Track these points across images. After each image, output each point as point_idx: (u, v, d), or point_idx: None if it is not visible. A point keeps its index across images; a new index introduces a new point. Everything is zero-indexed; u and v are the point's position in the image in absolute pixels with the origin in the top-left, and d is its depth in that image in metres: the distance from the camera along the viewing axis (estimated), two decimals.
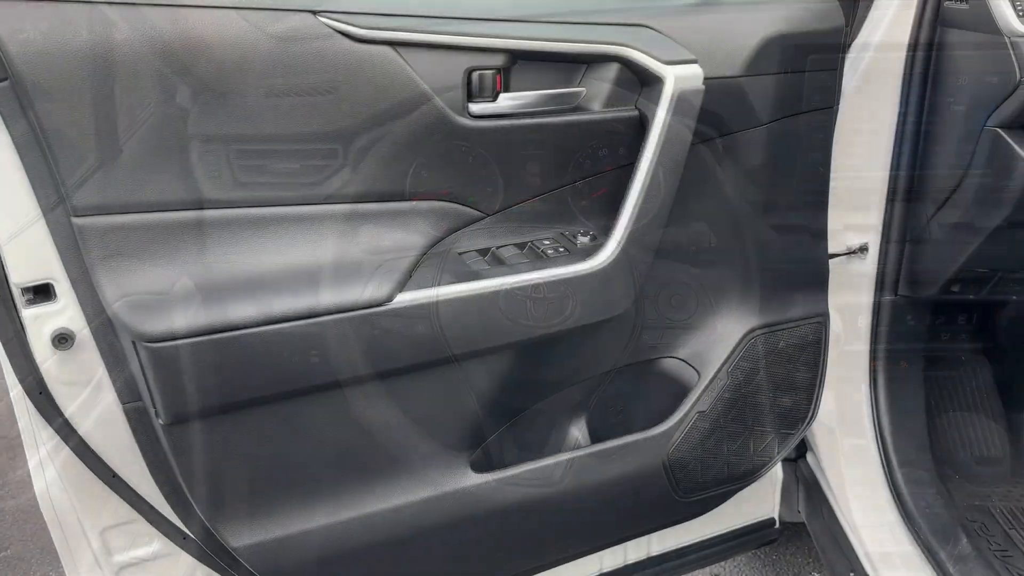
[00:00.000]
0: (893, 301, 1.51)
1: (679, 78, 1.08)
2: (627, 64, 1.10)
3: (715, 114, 1.16)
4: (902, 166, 1.41)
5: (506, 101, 1.07)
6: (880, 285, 1.51)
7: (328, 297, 0.98)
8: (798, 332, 1.36)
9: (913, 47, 1.33)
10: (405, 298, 1.00)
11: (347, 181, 1.01)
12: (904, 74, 1.35)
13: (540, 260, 1.10)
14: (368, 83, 0.98)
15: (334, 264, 1.01)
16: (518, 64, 1.07)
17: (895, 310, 1.51)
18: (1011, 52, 1.19)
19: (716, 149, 1.21)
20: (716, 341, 1.31)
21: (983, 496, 1.61)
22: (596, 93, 1.12)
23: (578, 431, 1.30)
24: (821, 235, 1.37)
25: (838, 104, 1.32)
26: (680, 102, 1.08)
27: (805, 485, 1.71)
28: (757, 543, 1.67)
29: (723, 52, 1.15)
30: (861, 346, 1.54)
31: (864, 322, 1.53)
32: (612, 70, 1.11)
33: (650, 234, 1.11)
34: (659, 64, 1.09)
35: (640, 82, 1.12)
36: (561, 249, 1.12)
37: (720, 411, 1.31)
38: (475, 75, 1.04)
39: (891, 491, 1.44)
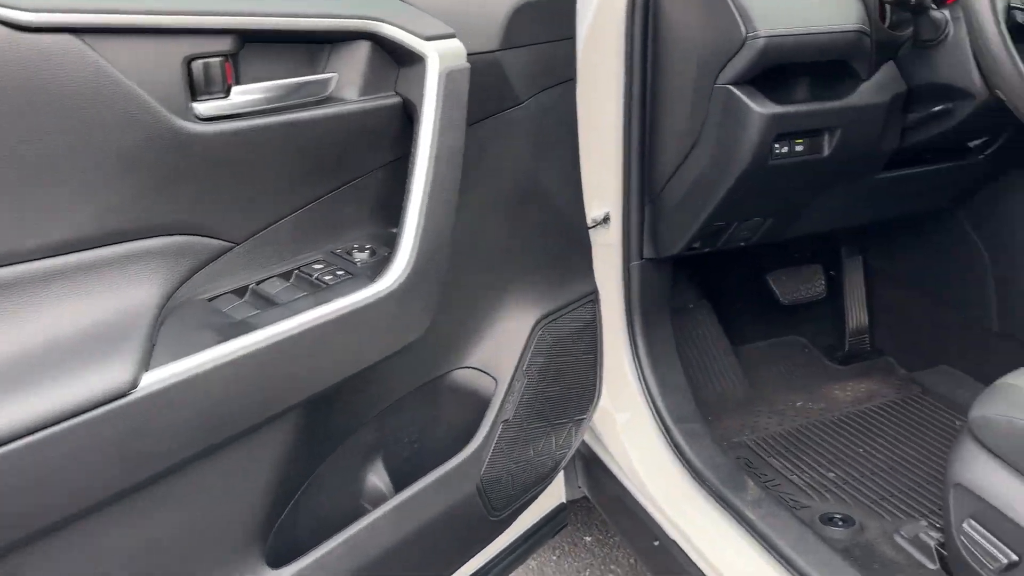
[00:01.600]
0: (641, 265, 1.52)
1: (443, 55, 0.93)
2: (380, 42, 0.92)
3: (478, 94, 1.03)
4: (634, 131, 1.42)
5: (240, 96, 0.83)
6: (627, 252, 1.52)
7: (36, 402, 0.67)
8: (577, 314, 1.31)
9: (631, 10, 1.33)
10: (155, 378, 0.73)
11: (34, 228, 0.71)
12: (627, 37, 1.35)
13: (319, 290, 0.88)
14: (46, 87, 0.68)
15: (38, 348, 0.70)
16: (247, 48, 0.84)
17: (643, 274, 1.53)
18: (733, 9, 1.22)
19: (480, 133, 1.08)
20: (507, 341, 1.20)
21: (737, 431, 1.73)
22: (348, 79, 0.92)
23: (379, 480, 1.11)
24: (581, 211, 1.32)
25: (576, 74, 1.27)
26: (448, 83, 0.93)
27: (583, 461, 1.69)
28: (552, 532, 1.62)
29: (477, 24, 1.03)
30: (617, 315, 1.54)
31: (617, 291, 1.53)
32: (362, 50, 0.92)
33: (443, 237, 0.95)
34: (417, 40, 0.93)
35: (397, 62, 0.95)
36: (340, 272, 0.91)
37: (523, 415, 1.21)
38: (197, 65, 0.78)
39: (673, 451, 1.46)
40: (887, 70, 1.34)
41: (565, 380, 1.29)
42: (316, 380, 0.88)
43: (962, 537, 1.06)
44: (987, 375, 1.81)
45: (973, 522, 1.05)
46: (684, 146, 1.37)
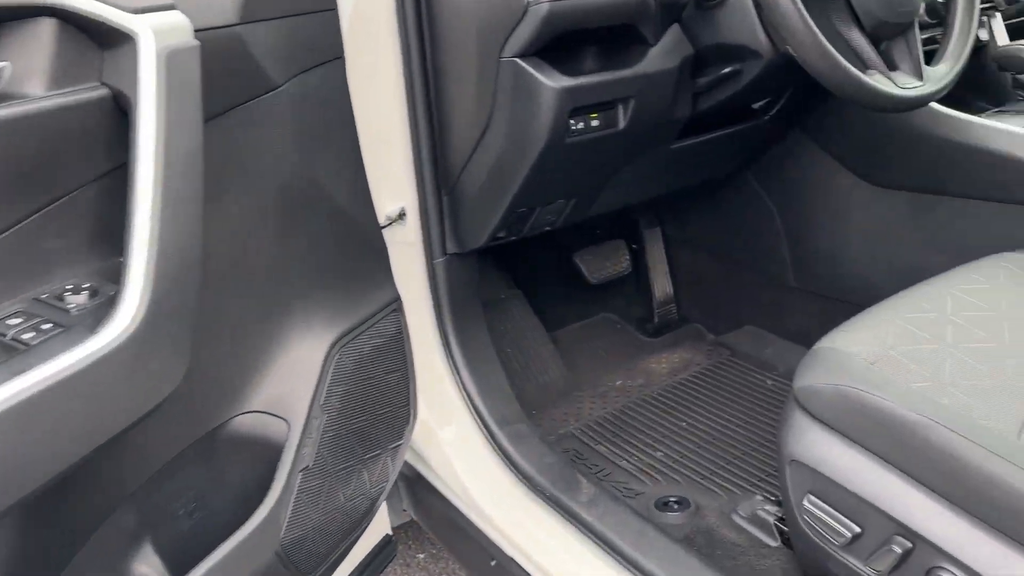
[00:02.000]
0: (446, 262, 1.38)
1: (159, 32, 0.72)
2: (68, 18, 0.70)
3: (220, 79, 0.83)
4: (419, 115, 1.27)
5: None
6: (428, 249, 1.37)
7: None
8: (379, 328, 1.14)
9: None
10: None
11: None
12: (398, 7, 1.19)
13: (16, 355, 0.65)
14: None
15: None
16: None
17: (449, 271, 1.39)
18: None
19: (228, 126, 0.88)
20: (297, 374, 1.01)
21: (562, 422, 1.64)
22: (28, 69, 0.69)
23: (150, 569, 0.89)
24: (370, 209, 1.15)
25: (343, 52, 1.09)
26: (171, 67, 0.73)
27: (406, 482, 1.54)
28: (381, 567, 1.45)
29: None
30: (426, 320, 1.40)
31: (423, 294, 1.38)
32: (45, 30, 0.69)
33: (188, 261, 0.74)
34: (119, 14, 0.71)
35: (98, 45, 0.73)
36: (47, 326, 0.68)
37: (327, 458, 1.03)
38: None
39: (501, 458, 1.35)
40: (673, 34, 1.28)
41: (374, 406, 1.12)
42: (32, 474, 0.66)
43: (804, 515, 1.02)
44: (790, 330, 1.88)
45: (813, 498, 1.01)
46: (476, 129, 1.24)
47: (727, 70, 1.29)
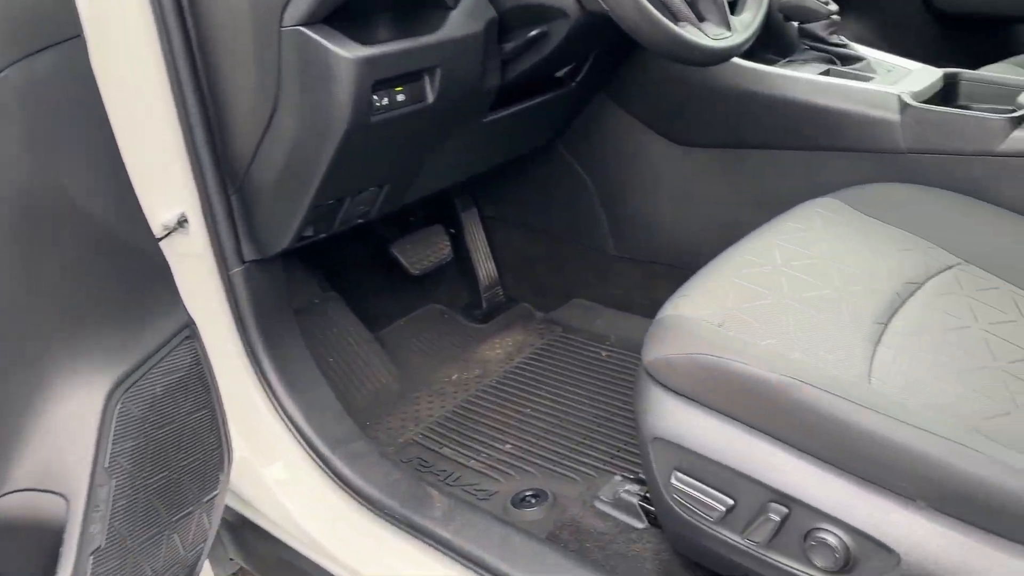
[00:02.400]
0: (245, 272, 1.20)
1: None
2: None
3: None
4: (189, 102, 1.07)
5: None
6: (221, 259, 1.18)
7: None
8: (170, 362, 0.94)
9: None
10: None
11: None
12: None
13: None
14: None
15: None
16: None
17: (250, 281, 1.21)
18: None
19: None
20: (69, 435, 0.80)
21: (401, 430, 1.51)
22: None
23: None
24: (139, 220, 0.95)
25: (82, 29, 0.88)
26: None
27: (230, 529, 1.34)
28: None
29: None
30: (230, 342, 1.21)
31: (221, 312, 1.19)
32: None
33: None
34: None
35: None
36: None
37: (123, 531, 0.83)
38: None
39: (340, 485, 1.19)
40: None
41: (177, 456, 0.93)
42: None
43: (673, 494, 0.97)
44: (616, 299, 1.85)
45: (680, 475, 0.96)
46: (262, 113, 1.06)
47: (534, 33, 1.20)
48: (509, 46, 1.23)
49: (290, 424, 1.20)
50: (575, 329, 1.80)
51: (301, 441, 1.19)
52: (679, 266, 1.73)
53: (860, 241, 1.19)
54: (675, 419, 0.95)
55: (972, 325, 1.05)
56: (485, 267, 1.91)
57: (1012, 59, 1.91)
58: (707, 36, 1.10)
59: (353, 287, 1.71)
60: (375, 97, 1.07)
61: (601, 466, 1.35)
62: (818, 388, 0.87)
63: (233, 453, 1.02)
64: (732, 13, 1.19)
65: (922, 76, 1.43)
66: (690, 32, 1.07)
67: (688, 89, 1.51)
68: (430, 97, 1.15)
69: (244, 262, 1.19)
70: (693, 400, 0.95)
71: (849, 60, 1.52)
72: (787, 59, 1.58)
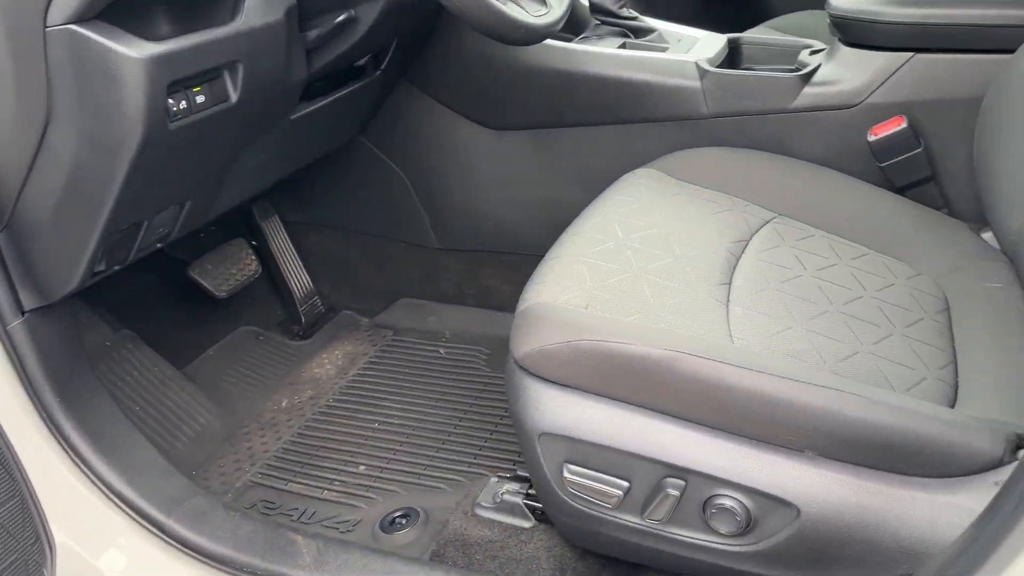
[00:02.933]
0: (26, 324, 1.00)
1: None
2: None
3: None
4: None
5: None
6: None
7: None
8: None
9: None
10: None
11: None
12: None
13: None
14: None
15: None
16: None
17: (33, 334, 1.01)
18: None
19: None
20: None
21: (237, 472, 1.35)
22: None
23: None
24: None
25: None
26: None
27: None
28: None
29: None
30: (18, 410, 1.00)
31: (5, 375, 0.98)
32: None
33: None
34: None
35: None
36: None
37: None
38: None
39: (186, 552, 1.03)
40: None
41: None
42: None
43: (567, 487, 0.93)
44: (445, 293, 1.79)
45: (572, 467, 0.92)
46: (30, 131, 0.87)
47: (341, 18, 1.10)
48: (313, 34, 1.12)
49: (111, 495, 1.02)
50: (407, 330, 1.71)
51: (129, 513, 1.02)
52: (505, 251, 1.71)
53: (685, 207, 1.22)
54: (560, 411, 0.92)
55: (803, 274, 1.12)
56: (297, 278, 1.76)
57: (767, 23, 2.08)
58: (528, 12, 1.07)
59: (149, 321, 1.50)
60: (171, 101, 0.92)
61: (468, 469, 1.29)
62: (697, 356, 0.87)
63: (55, 543, 0.83)
64: None
65: (710, 43, 1.50)
66: (513, 10, 1.03)
67: (496, 72, 1.47)
68: (233, 96, 1.01)
69: (23, 313, 0.99)
70: (575, 388, 0.91)
71: (642, 32, 1.56)
72: (581, 35, 1.59)
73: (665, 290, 1.01)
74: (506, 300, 1.66)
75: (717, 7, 2.43)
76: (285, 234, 1.77)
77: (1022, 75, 1.13)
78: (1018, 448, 0.81)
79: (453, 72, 1.50)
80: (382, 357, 1.63)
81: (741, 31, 2.07)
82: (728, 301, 1.04)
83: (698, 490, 0.88)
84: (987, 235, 1.24)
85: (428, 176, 1.63)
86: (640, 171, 1.33)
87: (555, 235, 1.16)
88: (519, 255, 1.63)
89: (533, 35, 1.08)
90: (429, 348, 1.65)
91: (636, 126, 1.45)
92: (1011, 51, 1.14)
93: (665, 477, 0.89)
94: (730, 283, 1.08)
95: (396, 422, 1.43)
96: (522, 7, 1.07)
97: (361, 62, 1.41)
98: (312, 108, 1.26)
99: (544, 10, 1.10)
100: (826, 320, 1.02)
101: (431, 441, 1.37)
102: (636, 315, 0.96)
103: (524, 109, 1.52)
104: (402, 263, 1.74)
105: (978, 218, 1.24)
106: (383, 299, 1.76)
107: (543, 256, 1.09)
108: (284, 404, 1.53)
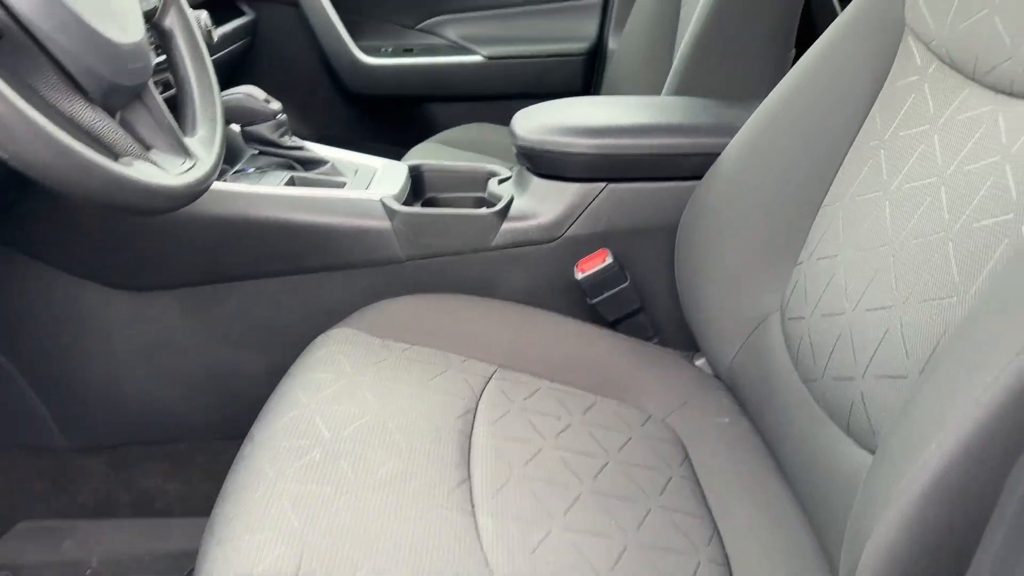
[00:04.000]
0: None
1: None
2: None
3: None
4: None
5: None
6: None
7: None
8: None
9: None
10: None
11: None
12: None
13: None
14: None
15: None
16: None
17: None
18: None
19: None
20: None
21: None
22: None
23: None
24: None
25: None
26: None
27: None
28: None
29: None
30: None
31: None
32: None
33: None
34: None
35: None
36: None
37: None
38: None
39: None
40: None
41: None
42: None
43: None
44: (86, 506, 1.33)
45: None
46: None
47: None
48: None
49: None
50: (31, 566, 1.26)
51: None
52: (166, 441, 1.35)
53: (398, 377, 1.03)
54: None
55: (543, 446, 0.97)
56: None
57: (436, 137, 2.00)
58: (165, 170, 0.79)
59: None
60: None
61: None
62: None
63: None
64: (184, 133, 0.90)
65: (391, 173, 1.34)
66: (142, 171, 0.75)
67: (129, 226, 1.15)
68: None
69: None
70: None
71: (311, 164, 1.34)
72: (235, 169, 1.33)
73: (398, 515, 0.79)
74: (173, 503, 1.30)
75: (380, 119, 2.31)
76: None
77: (710, 203, 1.13)
78: None
79: (70, 230, 1.15)
80: None
81: (409, 146, 1.96)
82: (473, 507, 0.85)
83: None
84: (700, 362, 1.22)
85: (45, 359, 1.23)
86: (335, 332, 1.10)
87: (231, 414, 0.93)
88: (185, 443, 1.29)
89: (177, 200, 0.80)
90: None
91: (321, 275, 1.22)
92: (699, 177, 1.14)
93: None
94: (470, 478, 0.89)
95: None
96: (156, 163, 0.79)
97: None
98: None
99: (188, 162, 0.84)
100: (582, 510, 0.88)
101: None
102: (365, 569, 0.72)
103: (175, 264, 1.21)
104: (19, 475, 1.29)
105: (689, 344, 1.21)
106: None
107: (217, 441, 0.81)
108: None
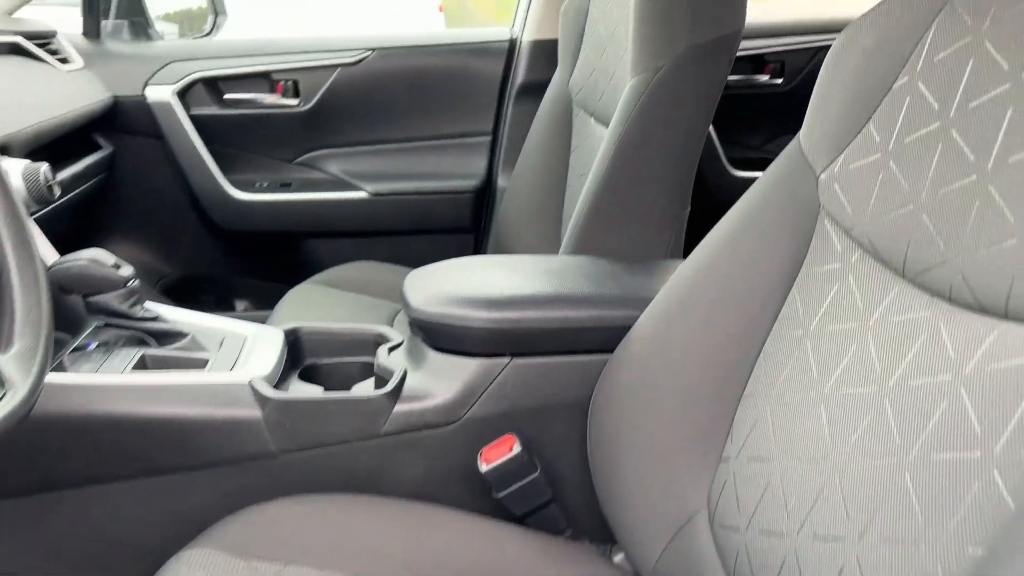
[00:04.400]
0: None
1: None
2: None
3: None
4: None
5: None
6: None
7: None
8: None
9: None
10: None
11: None
12: None
13: None
14: None
15: None
16: None
17: None
18: None
19: None
20: None
21: None
22: None
23: None
24: None
25: None
26: None
27: None
28: None
29: None
30: None
31: None
32: None
33: None
34: None
35: None
36: None
37: None
38: None
39: None
40: None
41: None
42: None
43: None
44: None
45: None
46: None
47: None
48: None
49: None
50: None
51: None
52: None
53: None
54: None
55: None
56: None
57: (315, 277, 1.86)
58: None
59: None
60: None
61: None
62: None
63: None
64: None
65: (266, 344, 1.18)
66: None
67: None
68: None
69: None
70: None
71: (167, 337, 1.16)
72: (74, 345, 1.13)
73: None
74: None
75: (257, 257, 2.14)
76: None
77: (622, 381, 1.03)
78: None
79: None
80: None
81: (290, 284, 1.81)
82: None
83: None
84: (618, 557, 1.09)
85: None
86: (188, 555, 0.91)
87: None
88: None
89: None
90: None
91: (176, 477, 1.04)
92: (609, 351, 1.04)
93: None
94: None
95: None
96: None
97: None
98: None
99: None
100: None
101: None
102: None
103: (7, 470, 1.00)
104: None
105: (606, 536, 1.09)
106: None
107: None
108: None
